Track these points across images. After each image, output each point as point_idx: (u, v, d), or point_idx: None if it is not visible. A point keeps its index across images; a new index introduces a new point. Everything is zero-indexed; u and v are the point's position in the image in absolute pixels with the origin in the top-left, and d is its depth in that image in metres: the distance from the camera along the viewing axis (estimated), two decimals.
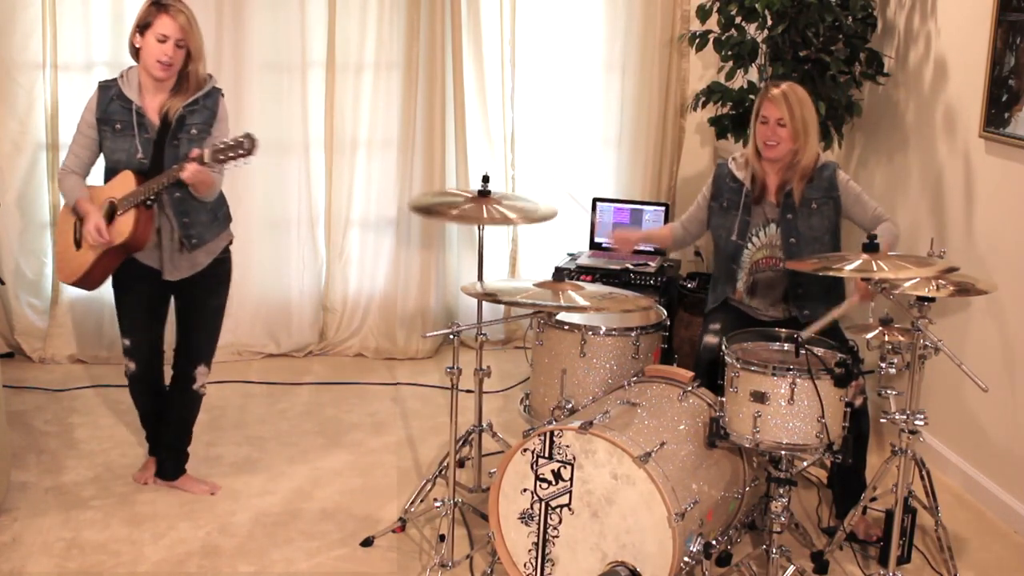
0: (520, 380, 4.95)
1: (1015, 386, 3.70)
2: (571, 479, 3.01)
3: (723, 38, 4.67)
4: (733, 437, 3.09)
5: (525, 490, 3.08)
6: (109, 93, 3.51)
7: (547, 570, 3.09)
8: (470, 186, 5.15)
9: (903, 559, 3.16)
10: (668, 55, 5.26)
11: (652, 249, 4.78)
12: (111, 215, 3.47)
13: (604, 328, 3.41)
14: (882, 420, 3.04)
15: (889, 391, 3.05)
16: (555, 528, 3.05)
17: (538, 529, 3.08)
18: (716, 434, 3.12)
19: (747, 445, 3.07)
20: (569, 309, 3.17)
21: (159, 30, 3.41)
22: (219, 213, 3.64)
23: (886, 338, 3.10)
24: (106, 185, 3.54)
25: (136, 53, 3.48)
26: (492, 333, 5.46)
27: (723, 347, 3.16)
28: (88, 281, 3.61)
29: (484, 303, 3.83)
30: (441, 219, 3.10)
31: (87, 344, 5.12)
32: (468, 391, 4.09)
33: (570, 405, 3.34)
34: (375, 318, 5.38)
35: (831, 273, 3.08)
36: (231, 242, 3.73)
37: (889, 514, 3.10)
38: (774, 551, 3.10)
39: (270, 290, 5.26)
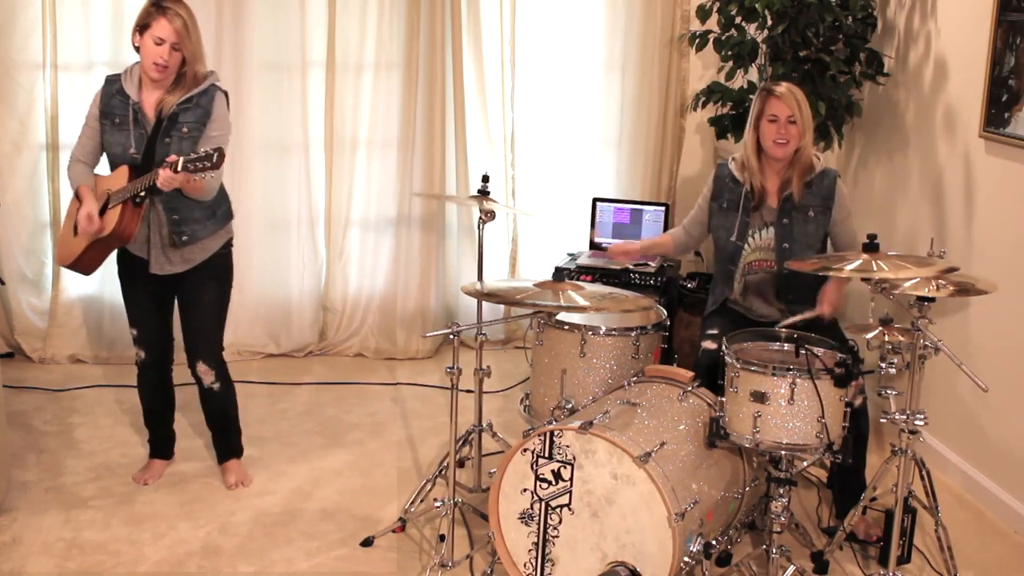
0: (520, 380, 4.95)
1: (1015, 386, 3.70)
2: (571, 479, 3.01)
3: (723, 38, 4.67)
4: (733, 437, 3.09)
5: (525, 490, 3.08)
6: (112, 87, 3.57)
7: (547, 570, 3.09)
8: (470, 186, 5.16)
9: (903, 559, 3.16)
10: (668, 55, 5.26)
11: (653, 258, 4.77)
12: (105, 206, 3.52)
13: (604, 328, 3.41)
14: (882, 420, 3.04)
15: (889, 391, 3.05)
16: (555, 528, 3.05)
17: (538, 529, 3.08)
18: (716, 434, 3.12)
19: (747, 445, 3.07)
20: (569, 309, 3.17)
21: (156, 33, 3.44)
22: (218, 211, 3.65)
23: (886, 338, 3.09)
24: (106, 177, 3.61)
25: (138, 51, 3.52)
26: (492, 333, 5.46)
27: (723, 348, 3.17)
28: (80, 265, 3.66)
29: (484, 303, 3.84)
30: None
31: (87, 344, 5.14)
32: (468, 391, 4.09)
33: (570, 405, 3.35)
34: (375, 318, 5.38)
35: (830, 274, 3.08)
36: (231, 239, 3.73)
37: (889, 514, 3.10)
38: (774, 551, 3.10)
39: (270, 290, 5.26)
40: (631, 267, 4.65)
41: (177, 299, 3.76)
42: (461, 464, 4.01)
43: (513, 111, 5.32)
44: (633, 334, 3.44)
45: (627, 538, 2.94)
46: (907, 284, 2.97)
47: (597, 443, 2.95)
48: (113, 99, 3.54)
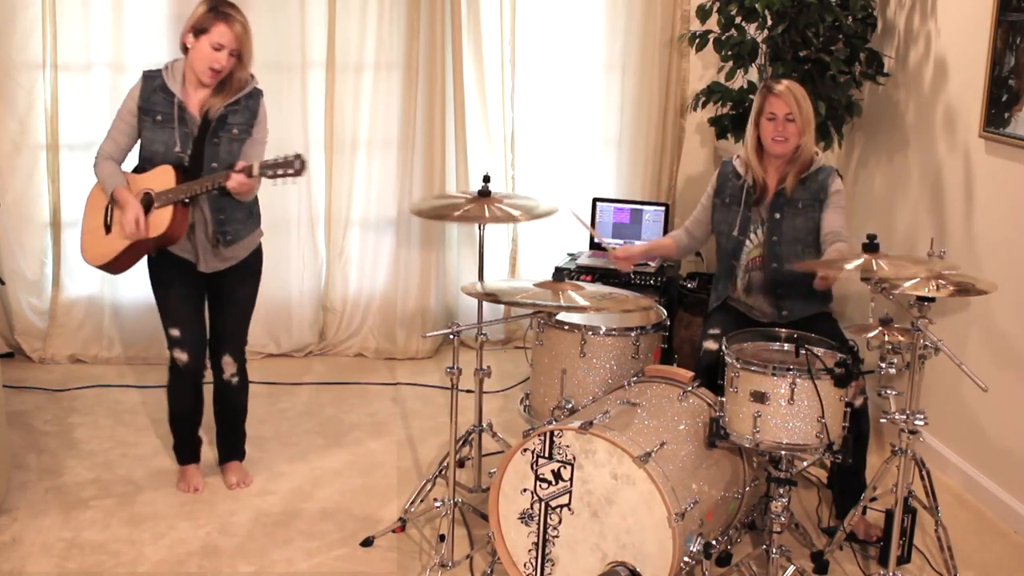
0: (520, 380, 4.95)
1: (1015, 386, 3.70)
2: (571, 479, 3.01)
3: (723, 38, 4.67)
4: (733, 437, 3.09)
5: (525, 490, 3.08)
6: (153, 83, 3.53)
7: (547, 570, 3.09)
8: (470, 186, 5.16)
9: (903, 559, 3.16)
10: (668, 55, 5.25)
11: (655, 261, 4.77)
12: (147, 207, 3.49)
13: (604, 328, 3.41)
14: (882, 420, 3.04)
15: (889, 391, 3.05)
16: (555, 528, 3.05)
17: (538, 529, 3.08)
18: (716, 434, 3.12)
19: (747, 445, 3.07)
20: (569, 309, 3.17)
21: (216, 39, 3.42)
22: (254, 210, 3.69)
23: (886, 338, 3.09)
24: (143, 175, 3.55)
25: (185, 50, 3.49)
26: (492, 333, 5.46)
27: (723, 348, 3.17)
28: (115, 267, 3.63)
29: (484, 303, 3.84)
30: (443, 221, 3.12)
31: (87, 344, 5.13)
32: (468, 391, 4.09)
33: (570, 405, 3.35)
34: (375, 318, 5.38)
35: (830, 273, 3.07)
36: (262, 236, 3.77)
37: (889, 514, 3.10)
38: (774, 551, 3.10)
39: (270, 290, 5.23)
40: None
41: (210, 296, 3.73)
42: (461, 464, 4.01)
43: (513, 111, 5.32)
44: (633, 334, 3.44)
45: (627, 538, 2.94)
46: (907, 284, 2.97)
47: (597, 443, 2.95)
48: (154, 95, 3.50)
